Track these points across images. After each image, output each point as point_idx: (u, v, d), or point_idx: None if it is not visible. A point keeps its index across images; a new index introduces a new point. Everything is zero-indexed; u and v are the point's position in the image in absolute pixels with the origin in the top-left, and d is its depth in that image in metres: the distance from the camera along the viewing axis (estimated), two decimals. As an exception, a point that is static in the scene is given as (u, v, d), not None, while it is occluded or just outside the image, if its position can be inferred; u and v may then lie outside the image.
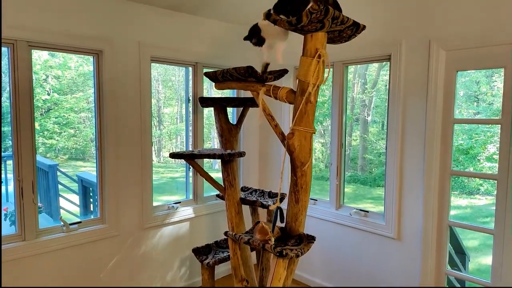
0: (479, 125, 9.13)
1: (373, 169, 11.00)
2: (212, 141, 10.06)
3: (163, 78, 12.98)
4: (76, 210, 6.35)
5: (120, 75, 2.83)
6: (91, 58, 2.77)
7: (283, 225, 2.10)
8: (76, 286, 2.72)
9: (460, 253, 4.17)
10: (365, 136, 11.35)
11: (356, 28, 1.80)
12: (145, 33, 2.94)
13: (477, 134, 9.26)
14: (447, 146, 2.59)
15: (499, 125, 2.35)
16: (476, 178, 9.54)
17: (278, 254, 1.86)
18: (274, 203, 2.69)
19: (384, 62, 2.86)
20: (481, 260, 6.65)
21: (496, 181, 2.38)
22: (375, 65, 10.44)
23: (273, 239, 1.97)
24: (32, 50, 2.45)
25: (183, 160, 2.67)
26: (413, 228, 2.77)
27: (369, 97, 11.15)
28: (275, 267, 1.93)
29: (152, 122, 2.93)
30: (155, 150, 13.22)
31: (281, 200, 2.68)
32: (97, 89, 2.78)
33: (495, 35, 2.31)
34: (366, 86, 11.24)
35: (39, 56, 9.31)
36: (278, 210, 1.97)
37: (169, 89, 13.28)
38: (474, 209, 8.83)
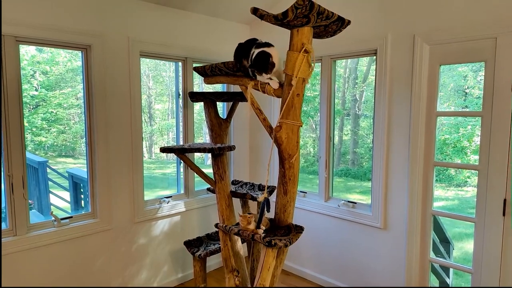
0: (466, 119, 9.29)
1: (364, 163, 11.11)
2: (204, 137, 10.06)
3: (154, 73, 12.87)
4: (67, 206, 6.33)
5: (109, 70, 2.83)
6: (79, 54, 2.77)
7: (272, 216, 2.15)
8: (69, 280, 2.74)
9: (445, 242, 4.29)
10: (356, 130, 11.45)
11: (341, 23, 1.84)
12: (134, 28, 2.95)
13: (464, 128, 9.43)
14: (431, 137, 2.67)
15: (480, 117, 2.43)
16: (464, 171, 9.72)
17: (267, 244, 1.91)
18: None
19: (374, 57, 2.92)
20: (468, 250, 6.82)
21: (477, 171, 2.47)
22: (366, 59, 10.51)
23: (263, 228, 2.02)
24: (20, 45, 2.45)
25: (174, 155, 2.69)
26: (399, 218, 2.85)
27: (360, 92, 11.23)
28: (264, 256, 1.98)
29: (143, 118, 2.95)
30: (146, 147, 13.15)
31: (271, 192, 2.74)
32: (86, 84, 2.79)
33: (477, 30, 2.38)
34: (357, 81, 11.32)
35: (26, 52, 9.16)
36: (265, 200, 2.02)
37: (160, 84, 13.18)
38: (461, 200, 9.02)
